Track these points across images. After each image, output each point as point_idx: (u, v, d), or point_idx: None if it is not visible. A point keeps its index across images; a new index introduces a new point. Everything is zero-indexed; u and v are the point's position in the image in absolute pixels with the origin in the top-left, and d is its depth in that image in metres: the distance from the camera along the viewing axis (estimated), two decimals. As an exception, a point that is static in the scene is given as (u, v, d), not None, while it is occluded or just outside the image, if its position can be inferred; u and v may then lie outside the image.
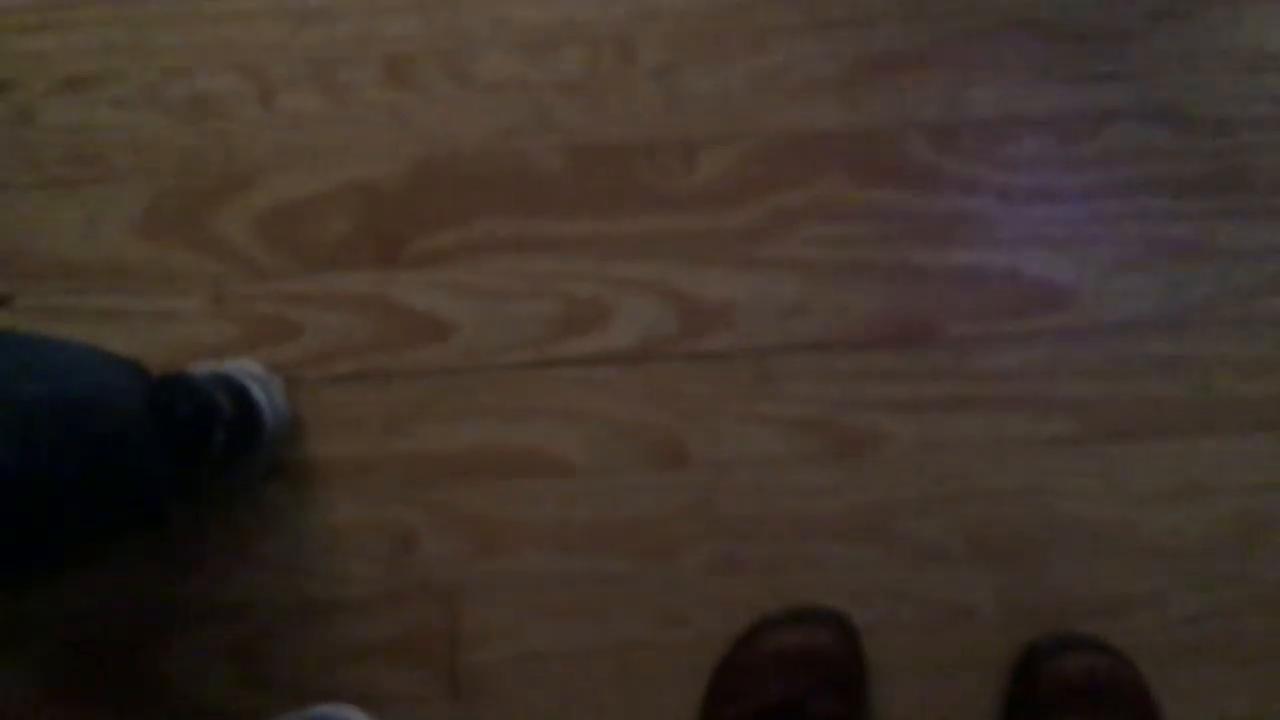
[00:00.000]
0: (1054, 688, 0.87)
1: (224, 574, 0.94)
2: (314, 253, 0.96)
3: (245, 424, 0.87)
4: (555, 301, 0.95)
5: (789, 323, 0.95)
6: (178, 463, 0.76)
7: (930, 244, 0.95)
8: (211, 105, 0.97)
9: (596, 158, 0.96)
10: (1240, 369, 0.93)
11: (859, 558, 0.93)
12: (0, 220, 0.97)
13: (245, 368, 0.92)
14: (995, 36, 0.96)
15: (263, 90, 0.98)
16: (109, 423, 0.67)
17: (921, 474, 0.93)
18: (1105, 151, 0.95)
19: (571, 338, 0.95)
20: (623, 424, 0.94)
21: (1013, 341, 0.94)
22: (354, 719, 0.89)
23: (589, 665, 0.93)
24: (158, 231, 0.97)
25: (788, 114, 0.96)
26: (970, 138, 0.95)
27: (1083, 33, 0.96)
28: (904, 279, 0.94)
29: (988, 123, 0.95)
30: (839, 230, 0.95)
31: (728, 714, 0.88)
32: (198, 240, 0.97)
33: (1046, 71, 0.95)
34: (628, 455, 0.94)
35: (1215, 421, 0.93)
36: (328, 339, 0.95)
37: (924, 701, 0.92)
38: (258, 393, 0.89)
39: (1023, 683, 0.89)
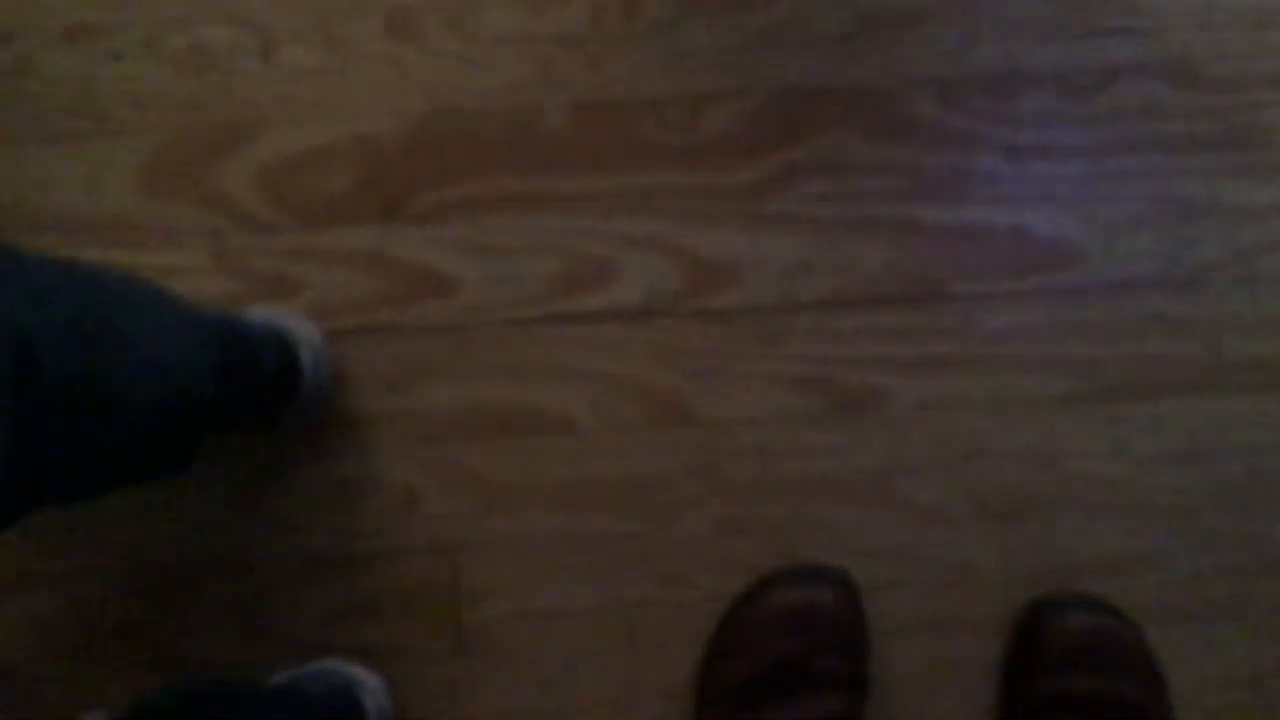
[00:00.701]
0: (1057, 646, 0.87)
1: (226, 530, 0.93)
2: (315, 207, 0.95)
3: (283, 386, 0.86)
4: (559, 258, 0.95)
5: (794, 280, 0.94)
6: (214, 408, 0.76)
7: (936, 201, 0.94)
8: (211, 57, 0.96)
9: (600, 113, 0.95)
10: (1246, 328, 0.92)
11: (862, 517, 0.93)
12: (2, 174, 0.96)
13: (302, 329, 0.90)
14: (1003, -8, 0.95)
15: (263, 43, 0.97)
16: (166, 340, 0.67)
17: (926, 433, 0.93)
18: (1113, 108, 0.94)
19: (575, 295, 0.94)
20: (627, 382, 0.94)
21: (1018, 300, 0.93)
22: (352, 673, 0.89)
23: (591, 624, 0.93)
24: (158, 186, 0.96)
25: (793, 69, 0.95)
26: (977, 94, 0.94)
27: (1092, -12, 0.95)
28: (909, 237, 0.94)
29: (994, 78, 0.94)
30: (844, 187, 0.94)
31: (730, 671, 0.88)
32: (198, 195, 0.96)
33: (1054, 27, 0.94)
34: (632, 414, 0.94)
35: (1221, 381, 0.92)
36: (329, 295, 0.94)
37: (927, 660, 0.92)
38: (306, 359, 0.88)
39: (1025, 641, 0.89)
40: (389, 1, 0.97)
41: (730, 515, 0.93)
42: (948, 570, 0.92)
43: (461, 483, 0.93)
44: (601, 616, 0.93)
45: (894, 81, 0.94)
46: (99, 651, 0.92)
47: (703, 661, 0.91)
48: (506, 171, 0.95)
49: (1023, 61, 0.94)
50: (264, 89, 0.96)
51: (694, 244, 0.95)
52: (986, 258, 0.94)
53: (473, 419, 0.94)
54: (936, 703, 0.91)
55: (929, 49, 0.95)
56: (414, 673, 0.92)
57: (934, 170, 0.94)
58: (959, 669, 0.92)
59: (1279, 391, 0.92)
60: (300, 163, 0.96)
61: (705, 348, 0.94)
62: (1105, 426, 0.92)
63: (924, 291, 0.93)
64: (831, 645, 0.88)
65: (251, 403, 0.83)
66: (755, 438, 0.94)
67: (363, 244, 0.95)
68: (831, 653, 0.88)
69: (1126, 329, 0.93)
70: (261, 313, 0.90)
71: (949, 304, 0.93)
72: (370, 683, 0.89)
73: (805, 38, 0.95)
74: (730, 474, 0.93)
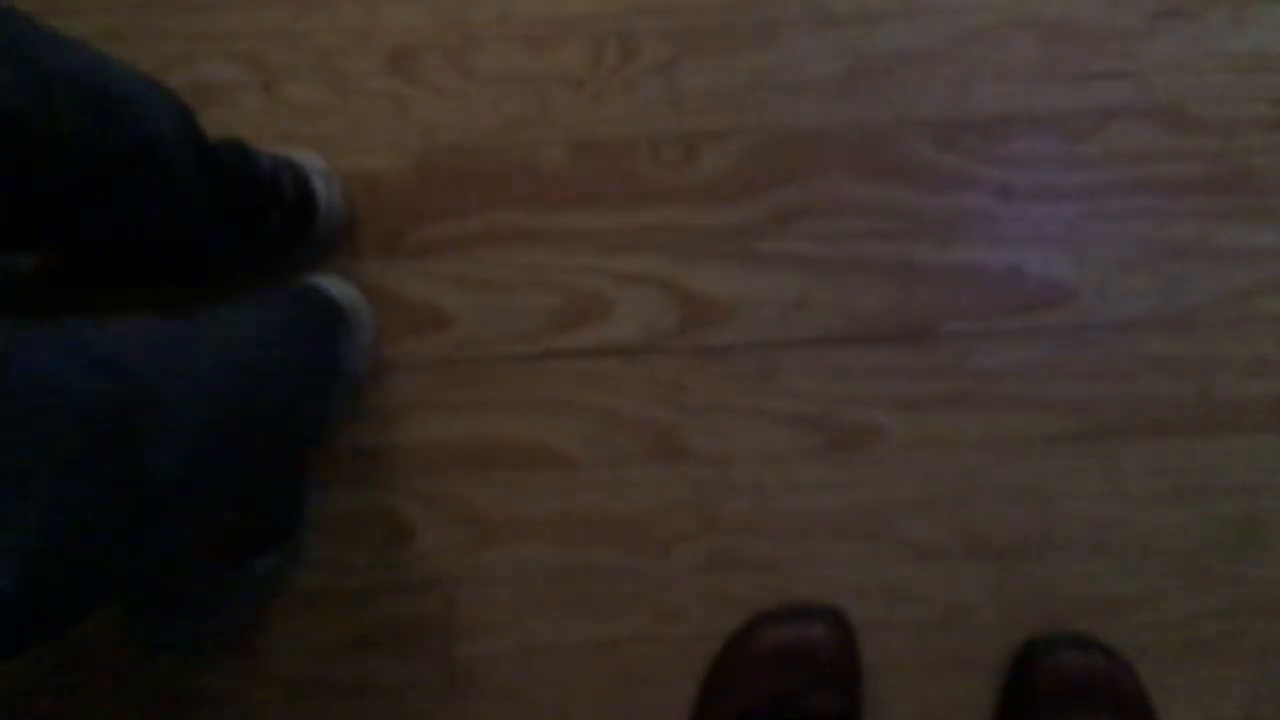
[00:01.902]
0: (1050, 686, 0.87)
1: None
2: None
3: (301, 213, 0.88)
4: (556, 294, 0.95)
5: (790, 318, 0.95)
6: (228, 233, 0.78)
7: (931, 241, 0.95)
8: (213, 94, 0.97)
9: (598, 151, 0.96)
10: (1240, 369, 0.93)
11: (857, 555, 0.93)
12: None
13: (310, 159, 0.92)
14: (997, 35, 0.96)
15: (265, 79, 0.98)
16: (141, 126, 0.68)
17: (920, 472, 0.93)
18: (1106, 150, 0.95)
19: (572, 330, 0.95)
20: (623, 418, 0.94)
21: (1013, 340, 0.94)
22: (332, 289, 0.90)
23: (585, 659, 0.92)
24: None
25: (790, 110, 0.96)
26: (972, 136, 0.95)
27: (1085, 31, 0.96)
28: (905, 276, 0.94)
29: (989, 121, 0.95)
30: (840, 226, 0.95)
31: (723, 708, 0.88)
32: (198, 229, 0.96)
33: (1049, 70, 0.95)
34: (627, 449, 0.94)
35: (1214, 422, 0.93)
36: (327, 329, 0.95)
37: (920, 699, 0.92)
38: (318, 184, 0.90)
39: (1019, 680, 0.89)
40: (391, 40, 0.98)
41: (724, 551, 0.93)
42: (941, 609, 0.92)
43: (456, 516, 0.93)
44: (596, 651, 0.92)
45: (890, 123, 0.95)
46: (88, 687, 0.92)
47: (697, 698, 0.91)
48: (504, 207, 0.96)
49: (1017, 104, 0.95)
50: (266, 125, 0.97)
51: (690, 281, 0.95)
52: (981, 297, 0.94)
53: (468, 453, 0.94)
54: (930, 742, 0.91)
55: (924, 91, 0.96)
56: (406, 708, 0.92)
57: (929, 210, 0.95)
58: (952, 708, 0.91)
59: (1271, 432, 0.93)
60: (300, 197, 0.96)
61: (701, 384, 0.94)
62: (1099, 466, 0.93)
63: (919, 330, 0.94)
64: (824, 683, 0.88)
65: (275, 228, 0.84)
66: (750, 474, 0.94)
67: (361, 278, 0.95)
68: (824, 691, 0.88)
69: (1120, 369, 0.93)
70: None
71: (943, 342, 0.94)
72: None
73: (801, 80, 0.96)
74: (725, 510, 0.94)
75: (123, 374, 0.51)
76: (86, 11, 0.98)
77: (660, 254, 0.95)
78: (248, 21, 0.98)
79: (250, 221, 0.83)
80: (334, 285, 0.90)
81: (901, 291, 0.94)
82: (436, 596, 0.93)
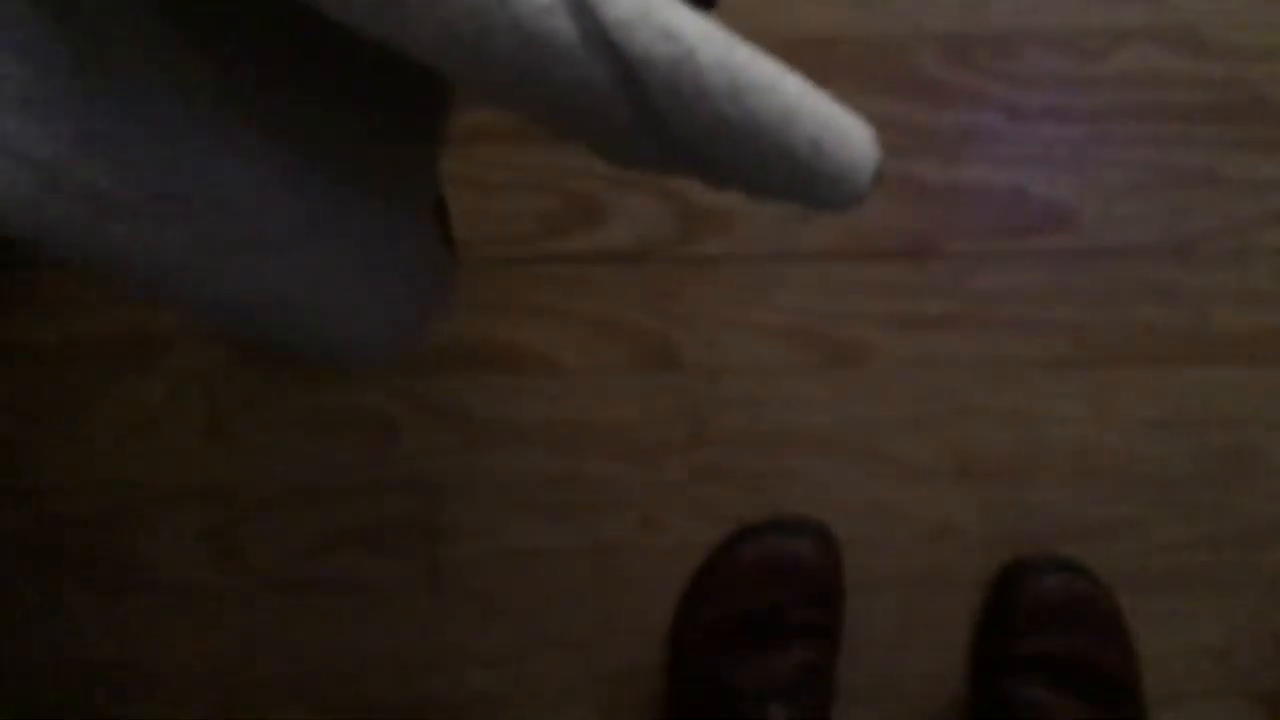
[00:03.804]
0: (1030, 607, 0.88)
1: (200, 457, 0.92)
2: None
3: None
4: (552, 197, 0.93)
5: (788, 231, 0.93)
6: None
7: (936, 158, 0.93)
8: None
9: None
10: (1237, 301, 0.92)
11: (845, 472, 0.93)
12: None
13: None
14: (1014, -51, 0.94)
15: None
16: None
17: (913, 391, 0.93)
18: (1118, 73, 0.93)
19: (568, 235, 0.93)
20: (614, 325, 0.93)
21: (1012, 261, 0.93)
22: None
23: (568, 565, 0.92)
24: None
25: (799, 15, 0.93)
26: (982, 51, 0.93)
27: (1104, -50, 0.94)
28: (907, 193, 0.93)
29: (1001, 36, 0.93)
30: (844, 139, 0.93)
31: (705, 616, 0.88)
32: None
33: (1065, -13, 0.93)
34: (617, 356, 0.93)
35: (1209, 352, 0.92)
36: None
37: (902, 616, 0.92)
38: None
39: (1000, 601, 0.90)
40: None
41: (711, 463, 0.93)
42: (927, 528, 0.92)
43: (442, 418, 0.92)
44: (577, 557, 0.92)
45: (902, 34, 0.93)
46: (66, 571, 0.91)
47: (678, 607, 0.91)
48: (502, 105, 0.93)
49: (1031, 20, 0.93)
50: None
51: (689, 189, 0.93)
52: (983, 217, 0.93)
53: (455, 354, 0.93)
54: (910, 659, 0.92)
55: (938, 3, 0.93)
56: (387, 607, 0.91)
57: (936, 126, 0.93)
58: (934, 626, 0.92)
59: (1264, 365, 0.92)
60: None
61: (695, 294, 0.93)
62: (1091, 392, 0.92)
63: (919, 248, 0.93)
64: (807, 597, 0.88)
65: None
66: (740, 386, 0.93)
67: (353, 171, 0.93)
68: (807, 604, 0.88)
69: (1118, 295, 0.92)
70: None
71: (943, 262, 0.93)
72: None
73: (814, -16, 0.94)
74: (713, 422, 0.93)
75: None
76: None
77: (660, 159, 0.93)
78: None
79: None
80: None
81: (903, 208, 0.93)
82: (420, 498, 0.92)
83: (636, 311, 0.93)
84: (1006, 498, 0.92)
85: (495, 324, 0.93)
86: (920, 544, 0.92)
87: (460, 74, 0.40)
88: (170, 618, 0.92)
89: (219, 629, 0.92)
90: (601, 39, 0.38)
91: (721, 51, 0.41)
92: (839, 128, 0.44)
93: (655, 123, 0.41)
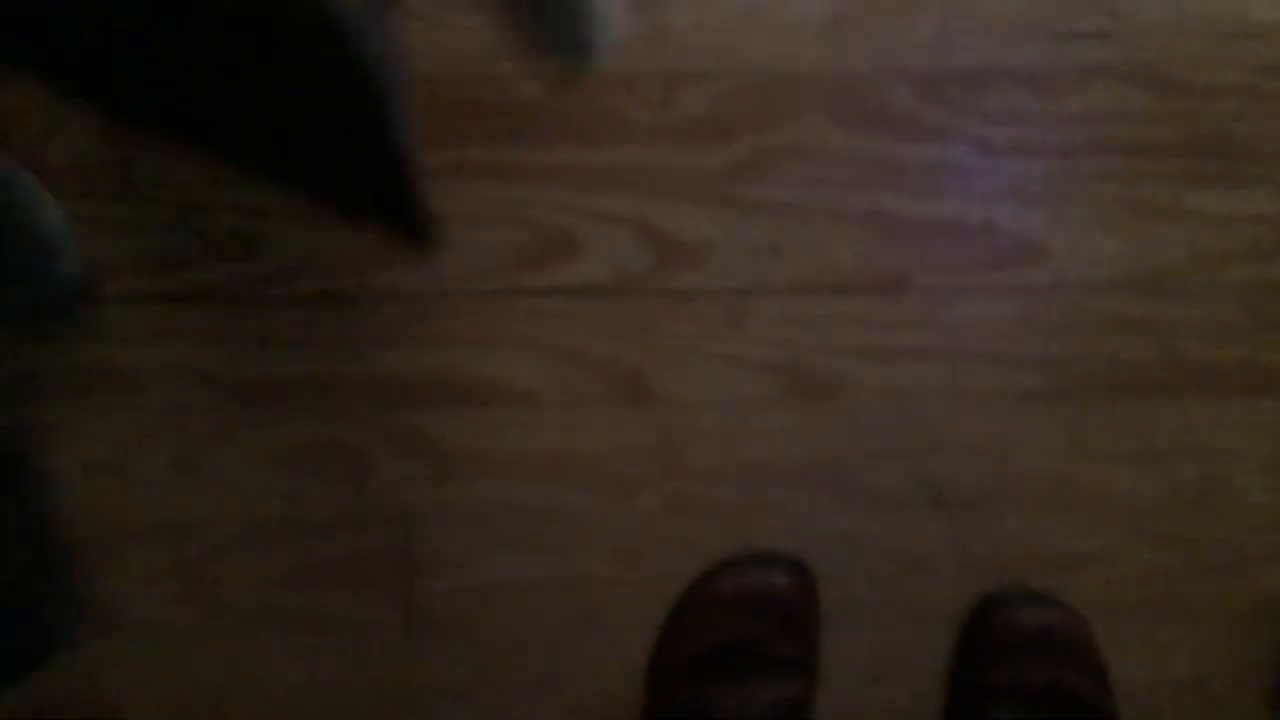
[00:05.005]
0: (1005, 638, 0.88)
1: (170, 491, 0.91)
2: (280, 166, 0.94)
3: None
4: (526, 230, 0.93)
5: (762, 264, 0.94)
6: None
7: (907, 193, 0.94)
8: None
9: (575, 87, 0.94)
10: (1205, 333, 0.93)
11: (819, 504, 0.93)
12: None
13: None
14: (983, -12, 0.95)
15: None
16: None
17: (886, 423, 0.93)
18: (1086, 109, 0.94)
19: (541, 268, 0.93)
20: (589, 358, 0.93)
21: (983, 294, 0.93)
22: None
23: (544, 599, 0.92)
24: (121, 139, 0.93)
25: (771, 53, 0.94)
26: (954, 88, 0.94)
27: (1071, -12, 0.95)
28: (879, 226, 0.94)
29: (972, 74, 0.94)
30: (816, 174, 0.94)
31: (682, 651, 0.88)
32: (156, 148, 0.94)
33: (1033, 26, 0.95)
34: (592, 389, 0.93)
35: (1178, 384, 0.93)
36: (291, 256, 0.93)
37: (877, 648, 0.92)
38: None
39: (975, 632, 0.90)
40: (366, -40, 0.95)
41: (686, 495, 0.93)
42: (901, 560, 0.93)
43: (418, 451, 0.92)
44: (554, 591, 0.92)
45: (872, 71, 0.94)
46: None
47: (656, 641, 0.90)
48: (477, 141, 0.94)
49: (1001, 58, 0.94)
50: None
51: (663, 222, 0.94)
52: (955, 251, 0.94)
53: (430, 387, 0.93)
54: (885, 691, 0.92)
55: (909, 41, 0.95)
56: (361, 642, 0.91)
57: (907, 161, 0.94)
58: (909, 658, 0.92)
59: (1232, 396, 0.93)
60: (267, 119, 0.94)
61: (671, 327, 0.93)
62: (1063, 424, 0.93)
63: (891, 281, 0.94)
64: (784, 630, 0.88)
65: None
66: (715, 419, 0.93)
67: (327, 205, 0.93)
68: (783, 637, 0.88)
69: (1088, 328, 0.93)
70: None
71: (915, 295, 0.93)
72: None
73: (785, 22, 0.95)
74: (688, 454, 0.93)
75: None
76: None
77: (634, 194, 0.94)
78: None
79: None
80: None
81: (875, 242, 0.94)
82: (394, 532, 0.92)
83: (611, 344, 0.93)
84: (980, 529, 0.92)
85: (469, 356, 0.93)
86: (895, 575, 0.92)
87: None
88: (140, 657, 0.91)
89: (189, 668, 0.91)
90: None
91: None
92: None
93: None
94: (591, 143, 0.94)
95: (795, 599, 0.89)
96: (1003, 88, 0.94)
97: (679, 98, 0.94)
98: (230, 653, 0.91)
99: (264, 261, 0.92)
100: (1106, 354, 0.93)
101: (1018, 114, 0.94)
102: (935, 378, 0.93)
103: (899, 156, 0.94)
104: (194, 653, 0.91)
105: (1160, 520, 0.93)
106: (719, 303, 0.93)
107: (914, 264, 0.94)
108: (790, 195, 0.94)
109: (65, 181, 0.90)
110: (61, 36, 0.55)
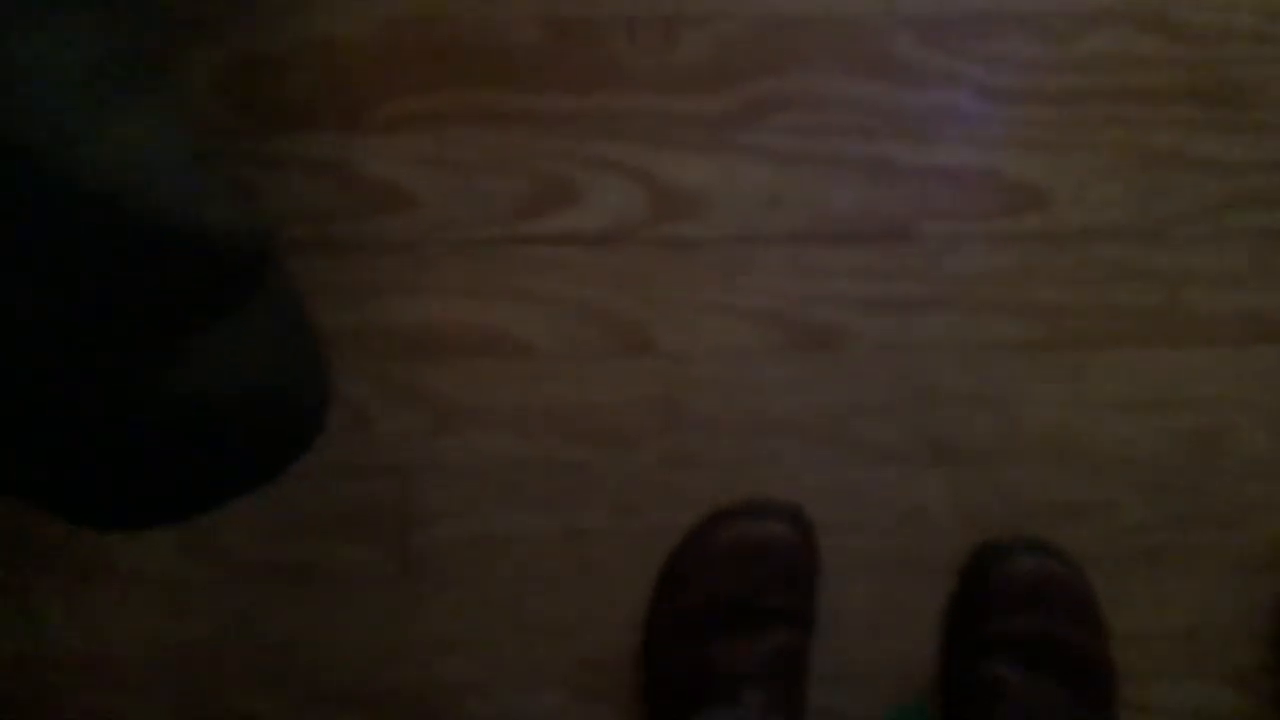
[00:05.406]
0: (1002, 588, 0.88)
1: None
2: (272, 112, 0.92)
3: None
4: (524, 178, 0.92)
5: (762, 214, 0.93)
6: None
7: (910, 140, 0.93)
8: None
9: (573, 31, 0.92)
10: (1209, 282, 0.93)
11: (818, 455, 0.92)
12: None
13: None
14: (987, -70, 0.94)
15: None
16: None
17: (886, 373, 0.93)
18: (1092, 55, 0.93)
19: (539, 216, 0.92)
20: (587, 307, 0.92)
21: (986, 243, 0.92)
22: None
23: (541, 550, 0.92)
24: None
25: (773, -3, 0.93)
26: (957, 33, 0.93)
27: (1077, -69, 0.94)
28: (881, 174, 0.93)
29: (976, 18, 0.93)
30: (818, 121, 0.93)
31: (680, 601, 0.88)
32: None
33: (1038, -32, 0.93)
34: (590, 340, 0.92)
35: (1180, 334, 0.93)
36: (284, 204, 0.91)
37: (874, 600, 0.92)
38: None
39: (972, 583, 0.90)
40: (358, -100, 0.93)
41: (684, 447, 0.92)
42: (900, 511, 0.92)
43: (414, 402, 0.91)
44: (551, 543, 0.92)
45: (875, 15, 0.93)
46: (35, 557, 0.89)
47: (653, 592, 0.90)
48: (473, 86, 0.92)
49: (1005, 2, 0.93)
50: (223, -15, 0.92)
51: (662, 170, 0.93)
52: (957, 199, 0.93)
53: (427, 338, 0.92)
54: (883, 642, 0.92)
55: (911, -17, 0.93)
56: (359, 594, 0.91)
57: (909, 108, 0.93)
58: (907, 608, 0.92)
59: (1234, 346, 0.93)
60: (258, 64, 0.92)
61: (668, 277, 0.92)
62: (1064, 373, 0.92)
63: (892, 230, 0.93)
64: (781, 581, 0.88)
65: None
66: (713, 370, 0.92)
67: (321, 153, 0.92)
68: (781, 588, 0.88)
69: (1091, 277, 0.93)
70: None
71: (917, 244, 0.93)
72: None
73: (786, -36, 0.93)
74: (686, 405, 0.92)
75: None
76: None
77: (633, 141, 0.92)
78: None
79: None
80: None
81: (877, 190, 0.93)
82: (391, 483, 0.91)
83: (609, 294, 0.92)
84: (979, 480, 0.92)
85: (466, 307, 0.92)
86: (893, 527, 0.92)
87: None
88: (137, 607, 0.91)
89: (187, 618, 0.91)
90: None
91: None
92: None
93: None
94: (590, 89, 0.92)
95: (793, 549, 0.88)
96: (1006, 32, 0.93)
97: (680, 42, 0.93)
98: (227, 604, 0.91)
99: (258, 210, 0.91)
100: (1109, 303, 0.93)
101: (1021, 59, 0.93)
102: (936, 328, 0.92)
103: (901, 102, 0.93)
104: (191, 604, 0.91)
105: (1160, 471, 0.92)
106: (719, 252, 0.92)
107: (915, 212, 0.93)
108: (791, 142, 0.93)
109: None
110: None
